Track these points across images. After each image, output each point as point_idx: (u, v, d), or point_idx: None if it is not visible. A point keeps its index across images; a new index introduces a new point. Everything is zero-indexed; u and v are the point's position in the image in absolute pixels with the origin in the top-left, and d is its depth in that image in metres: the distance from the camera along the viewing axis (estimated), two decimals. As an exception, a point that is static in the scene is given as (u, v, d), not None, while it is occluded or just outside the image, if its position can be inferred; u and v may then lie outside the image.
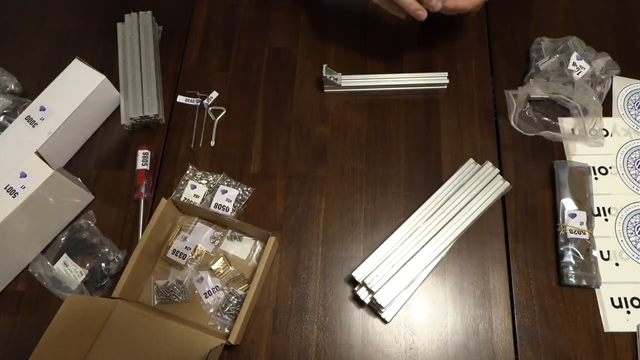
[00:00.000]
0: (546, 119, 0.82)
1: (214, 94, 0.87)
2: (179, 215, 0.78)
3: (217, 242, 0.77)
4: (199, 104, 0.86)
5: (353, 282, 0.72)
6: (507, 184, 0.76)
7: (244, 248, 0.76)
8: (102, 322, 0.68)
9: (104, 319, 0.68)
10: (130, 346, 0.67)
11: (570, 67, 0.82)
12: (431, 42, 0.90)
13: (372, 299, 0.69)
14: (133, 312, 0.69)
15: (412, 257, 0.71)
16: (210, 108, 0.86)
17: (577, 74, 0.82)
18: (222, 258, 0.75)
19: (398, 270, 0.70)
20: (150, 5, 0.96)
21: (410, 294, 0.71)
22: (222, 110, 0.86)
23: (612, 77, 0.84)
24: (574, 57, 0.82)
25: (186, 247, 0.75)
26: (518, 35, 0.90)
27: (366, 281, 0.69)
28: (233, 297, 0.72)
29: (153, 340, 0.67)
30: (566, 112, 0.83)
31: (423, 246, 0.72)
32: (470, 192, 0.75)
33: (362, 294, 0.70)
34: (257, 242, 0.76)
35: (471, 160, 0.78)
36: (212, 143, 0.83)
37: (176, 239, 0.76)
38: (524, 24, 0.91)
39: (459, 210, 0.74)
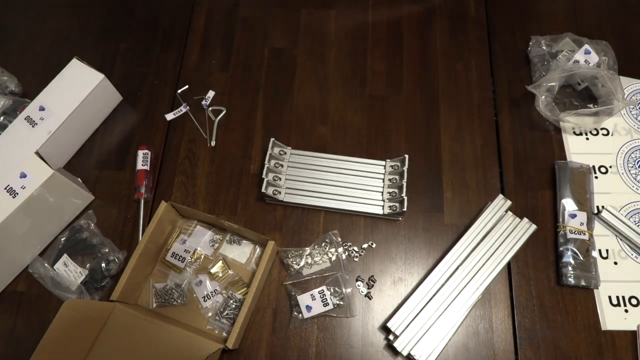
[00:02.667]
0: (574, 102, 0.83)
1: (211, 94, 0.87)
2: (178, 218, 0.78)
3: (217, 245, 0.77)
4: (186, 109, 0.86)
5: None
6: (533, 226, 0.73)
7: (243, 252, 0.76)
8: (100, 326, 0.68)
9: (102, 323, 0.68)
10: (128, 349, 0.67)
11: (582, 63, 0.82)
12: (431, 42, 0.90)
13: (409, 354, 0.67)
14: (131, 315, 0.68)
15: (445, 309, 0.69)
16: (210, 108, 0.86)
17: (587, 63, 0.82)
18: (221, 262, 0.75)
19: (432, 323, 0.68)
20: (150, 5, 0.96)
21: (445, 344, 0.69)
22: (222, 110, 0.86)
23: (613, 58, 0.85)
24: (582, 51, 0.82)
25: (185, 250, 0.75)
26: (518, 35, 0.90)
27: (406, 338, 0.67)
28: (232, 301, 0.72)
29: (151, 344, 0.66)
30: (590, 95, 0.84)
31: (456, 297, 0.70)
32: (497, 238, 0.73)
33: (399, 345, 0.68)
34: (257, 245, 0.76)
35: (500, 197, 0.75)
36: (213, 143, 0.83)
37: (175, 242, 0.76)
38: (524, 24, 0.91)
39: (488, 258, 0.72)
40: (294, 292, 0.71)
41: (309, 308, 0.70)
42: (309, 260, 0.73)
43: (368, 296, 0.72)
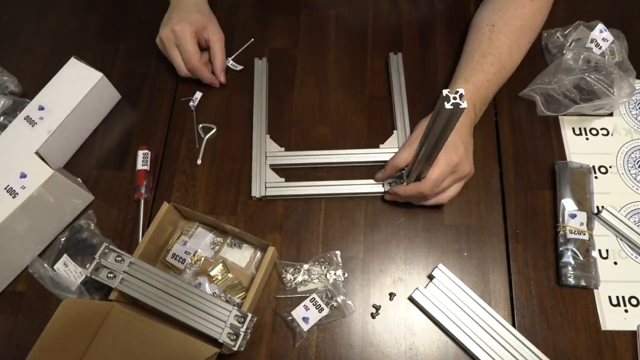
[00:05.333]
0: (572, 95, 0.81)
1: (198, 95, 0.87)
2: (180, 220, 0.78)
3: (217, 248, 0.76)
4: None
5: (353, 283, 0.72)
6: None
7: (243, 256, 0.76)
8: (98, 325, 0.68)
9: (100, 322, 0.68)
10: (125, 350, 0.67)
11: (599, 41, 0.82)
12: (431, 42, 0.90)
13: None
14: (129, 316, 0.68)
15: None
16: (200, 125, 0.85)
17: (599, 47, 0.82)
18: (221, 264, 0.75)
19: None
20: (151, 6, 0.96)
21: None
22: (212, 128, 0.85)
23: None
24: (597, 30, 0.82)
25: (186, 251, 0.75)
26: (518, 35, 0.90)
27: None
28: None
29: (148, 345, 0.66)
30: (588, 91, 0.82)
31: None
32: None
33: None
34: (257, 250, 0.76)
35: None
36: (199, 161, 0.82)
37: (176, 243, 0.76)
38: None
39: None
40: (286, 313, 0.71)
41: (306, 319, 0.70)
42: (307, 277, 0.73)
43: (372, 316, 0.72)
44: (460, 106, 0.50)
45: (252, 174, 0.79)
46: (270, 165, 0.80)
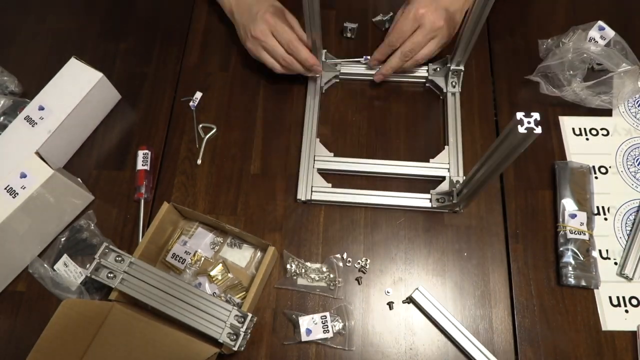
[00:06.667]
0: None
1: (198, 95, 0.87)
2: (180, 219, 0.78)
3: (217, 248, 0.76)
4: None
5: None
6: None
7: (243, 256, 0.76)
8: (98, 325, 0.68)
9: (100, 322, 0.68)
10: (125, 350, 0.67)
11: (598, 39, 0.82)
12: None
13: None
14: (129, 316, 0.68)
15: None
16: (200, 125, 0.85)
17: (597, 46, 0.81)
18: (221, 265, 0.75)
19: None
20: (151, 6, 0.96)
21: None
22: (212, 128, 0.85)
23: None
24: (596, 27, 0.82)
25: (186, 251, 0.75)
26: (518, 36, 0.90)
27: None
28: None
29: (148, 345, 0.66)
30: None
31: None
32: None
33: None
34: (257, 250, 0.76)
35: None
36: (199, 161, 0.82)
37: (176, 243, 0.76)
38: (524, 24, 0.91)
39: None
40: (295, 315, 0.71)
41: (308, 331, 0.70)
42: (311, 275, 0.73)
43: (358, 281, 0.73)
44: (535, 131, 0.45)
45: (299, 176, 0.78)
46: (318, 170, 0.79)
